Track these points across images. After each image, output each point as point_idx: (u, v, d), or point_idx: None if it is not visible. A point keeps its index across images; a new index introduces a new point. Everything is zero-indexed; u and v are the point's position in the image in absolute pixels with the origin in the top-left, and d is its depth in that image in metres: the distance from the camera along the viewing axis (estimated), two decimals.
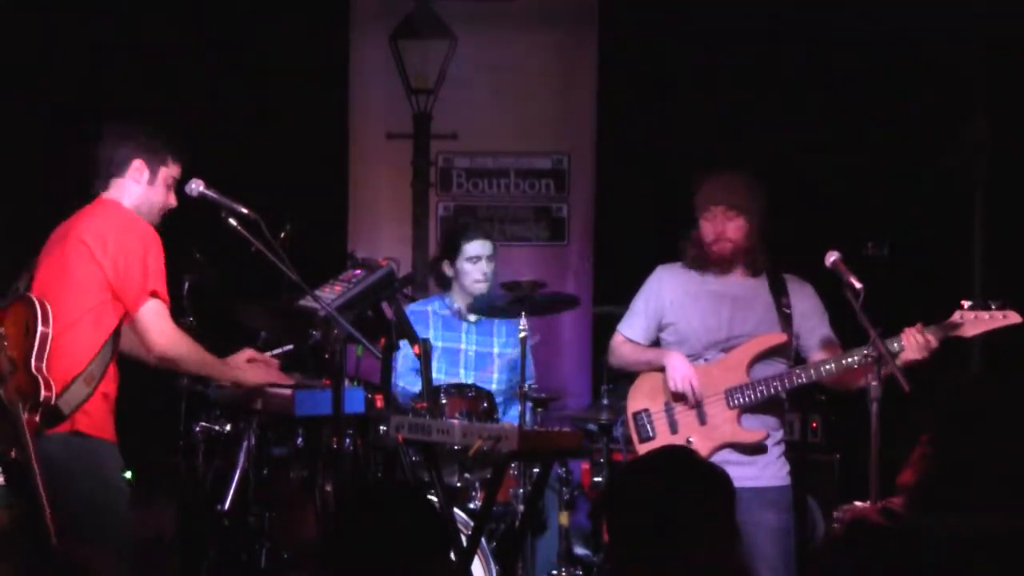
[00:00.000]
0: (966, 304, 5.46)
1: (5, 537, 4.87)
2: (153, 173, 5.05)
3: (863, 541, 3.49)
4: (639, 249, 6.20)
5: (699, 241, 5.64)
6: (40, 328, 4.71)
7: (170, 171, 5.09)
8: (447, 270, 6.69)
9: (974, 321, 5.45)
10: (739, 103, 7.48)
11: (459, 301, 6.70)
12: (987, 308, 5.44)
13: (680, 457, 3.28)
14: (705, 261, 5.66)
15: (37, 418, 4.69)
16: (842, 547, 3.53)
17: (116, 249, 4.83)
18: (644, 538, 3.12)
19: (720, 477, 3.21)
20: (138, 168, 5.03)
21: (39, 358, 4.70)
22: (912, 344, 5.34)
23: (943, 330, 5.43)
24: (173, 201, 5.12)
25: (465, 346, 6.71)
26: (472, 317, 6.69)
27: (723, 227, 5.59)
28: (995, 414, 3.57)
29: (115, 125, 5.12)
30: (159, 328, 4.85)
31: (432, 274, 6.97)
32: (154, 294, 4.84)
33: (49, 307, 4.75)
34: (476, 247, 6.64)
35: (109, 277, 4.82)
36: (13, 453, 4.69)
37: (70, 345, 4.77)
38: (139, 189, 5.03)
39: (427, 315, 6.71)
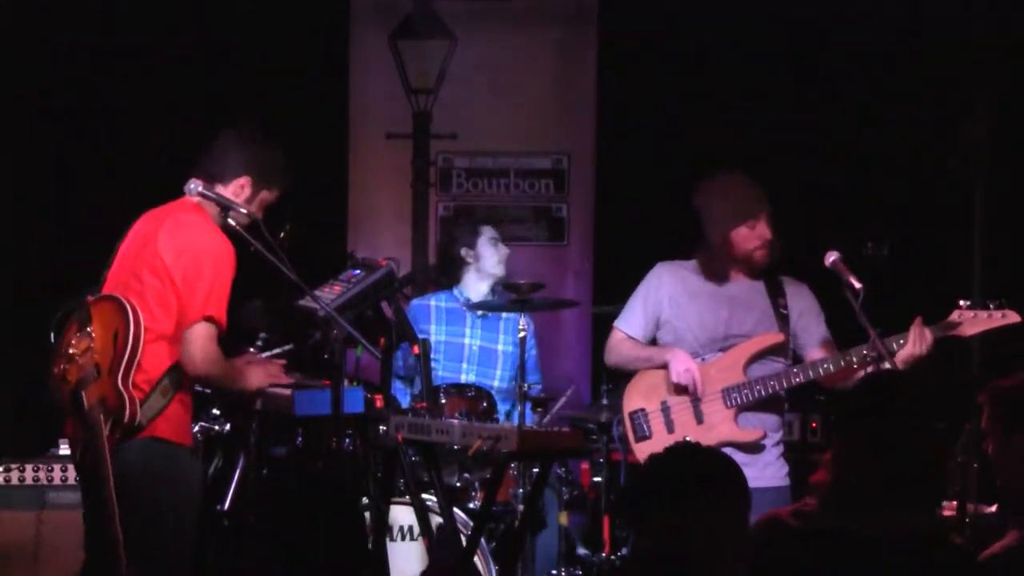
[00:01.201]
0: (964, 303, 5.46)
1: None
2: (254, 195, 5.00)
3: (773, 541, 3.49)
4: (639, 249, 6.19)
5: (733, 254, 5.61)
6: (132, 331, 4.66)
7: (270, 196, 5.04)
8: (466, 255, 6.75)
9: (972, 320, 5.45)
10: (739, 103, 7.48)
11: (471, 290, 6.74)
12: (985, 308, 5.44)
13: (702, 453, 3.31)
14: (727, 270, 5.65)
15: (118, 435, 4.67)
16: (753, 546, 3.52)
17: (187, 265, 4.78)
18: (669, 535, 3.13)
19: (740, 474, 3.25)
20: (242, 185, 4.98)
21: (127, 370, 4.66)
22: (913, 338, 5.34)
23: (941, 329, 5.43)
24: (259, 216, 5.04)
25: (469, 340, 6.73)
26: (478, 311, 6.73)
27: (766, 233, 5.59)
28: (898, 414, 3.57)
29: (239, 130, 5.02)
30: (204, 352, 4.80)
31: (439, 268, 7.00)
32: (209, 318, 4.78)
33: (140, 312, 4.72)
34: (492, 231, 6.79)
35: (179, 289, 4.79)
36: (88, 458, 4.65)
37: (147, 359, 4.74)
38: (235, 204, 4.98)
39: (429, 309, 6.75)
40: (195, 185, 5.01)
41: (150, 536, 4.73)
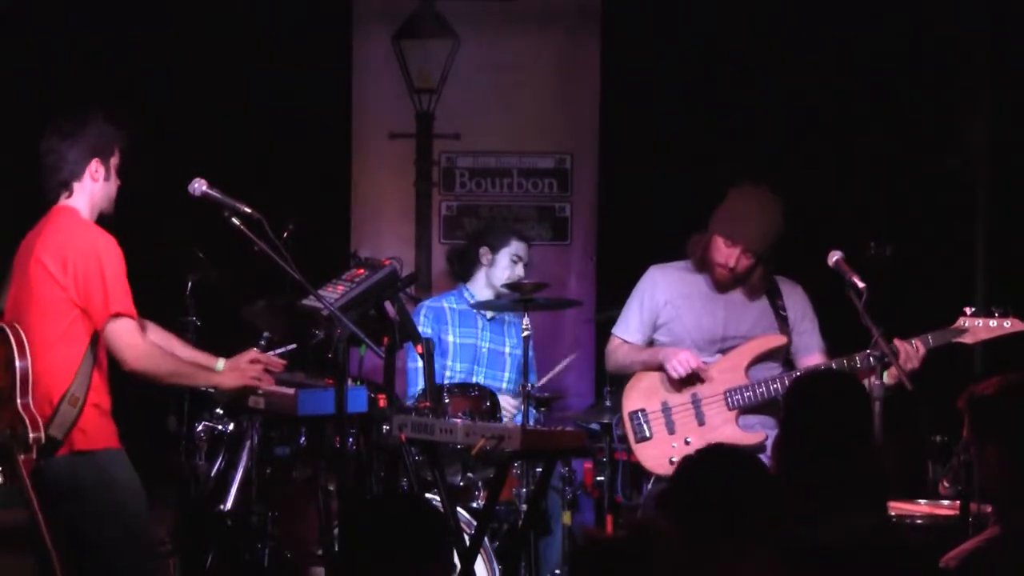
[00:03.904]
0: (969, 311, 5.46)
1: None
2: (108, 168, 5.01)
3: None
4: (642, 248, 6.20)
5: (707, 252, 5.62)
6: (18, 363, 4.69)
7: (118, 158, 5.05)
8: (483, 256, 6.75)
9: (977, 328, 5.45)
10: (741, 102, 7.48)
11: (479, 292, 6.75)
12: (990, 315, 5.44)
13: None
14: (703, 265, 5.67)
15: (33, 455, 4.68)
16: None
17: (75, 269, 4.79)
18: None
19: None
20: (96, 169, 4.97)
21: (23, 394, 4.68)
22: (905, 355, 5.34)
23: (945, 336, 5.43)
24: (118, 181, 5.07)
25: (480, 342, 6.75)
26: (489, 314, 6.75)
27: (735, 262, 5.59)
28: (826, 412, 3.57)
29: (57, 128, 4.99)
30: (125, 346, 4.82)
31: (456, 259, 6.98)
32: (116, 314, 4.80)
33: (24, 336, 4.73)
34: (522, 249, 6.80)
35: (73, 298, 4.80)
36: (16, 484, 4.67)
37: (48, 370, 4.76)
38: (98, 187, 4.99)
39: (443, 311, 6.76)
40: (199, 185, 5.03)
41: (104, 547, 4.77)
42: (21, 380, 4.69)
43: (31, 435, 4.65)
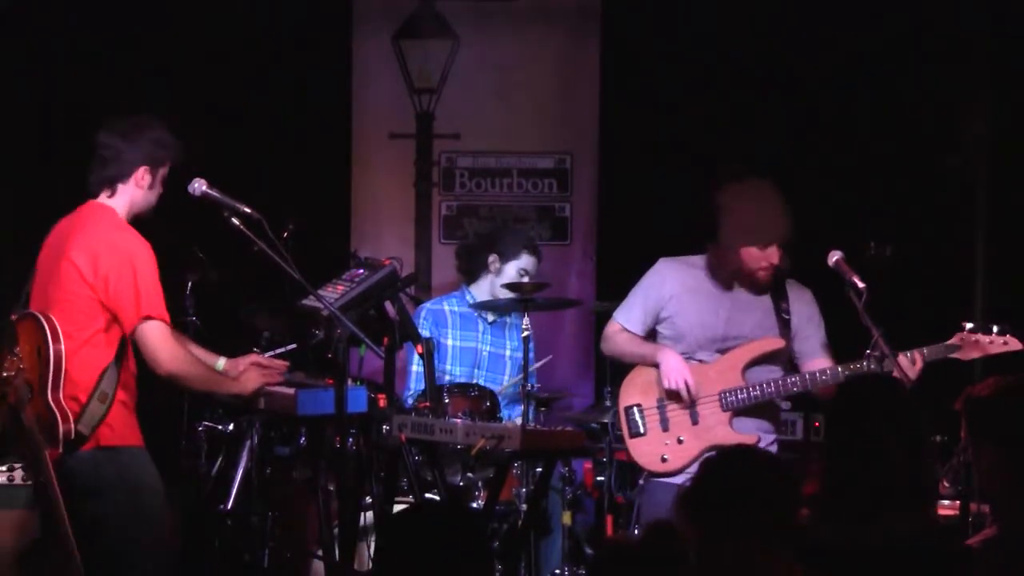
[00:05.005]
0: (967, 326, 5.44)
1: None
2: (154, 177, 5.02)
3: None
4: (642, 248, 6.19)
5: (740, 266, 5.57)
6: (52, 347, 4.67)
7: (166, 170, 5.06)
8: (492, 263, 6.73)
9: (974, 344, 5.43)
10: (741, 102, 7.48)
11: (481, 295, 6.73)
12: (988, 332, 5.41)
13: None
14: (734, 280, 5.62)
15: (60, 449, 4.67)
16: None
17: (106, 270, 4.79)
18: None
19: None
20: (143, 176, 4.98)
21: (55, 386, 4.67)
22: (904, 365, 5.33)
23: (942, 351, 5.42)
24: (160, 189, 5.10)
25: (481, 345, 6.74)
26: (490, 317, 6.74)
27: (774, 258, 5.55)
28: (876, 418, 3.58)
29: (117, 126, 5.01)
30: (159, 348, 4.81)
31: (464, 257, 6.94)
32: (148, 317, 4.79)
33: (57, 324, 4.72)
34: (531, 263, 6.75)
35: (102, 300, 4.79)
36: (41, 478, 4.67)
37: (78, 367, 4.75)
38: (140, 193, 5.00)
39: (444, 314, 6.75)
40: (199, 185, 5.03)
41: (122, 544, 4.77)
42: (55, 368, 4.67)
43: (61, 428, 4.65)
